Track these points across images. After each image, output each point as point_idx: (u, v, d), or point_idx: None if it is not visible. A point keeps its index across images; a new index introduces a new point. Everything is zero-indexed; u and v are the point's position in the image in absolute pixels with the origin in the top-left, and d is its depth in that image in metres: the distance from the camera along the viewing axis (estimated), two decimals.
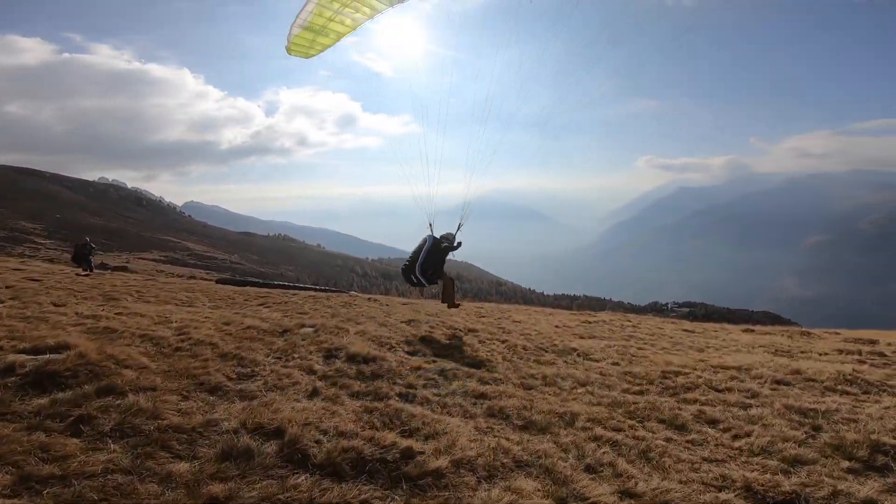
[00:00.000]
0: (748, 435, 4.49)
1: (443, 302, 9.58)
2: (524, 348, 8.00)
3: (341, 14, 8.14)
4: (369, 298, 15.32)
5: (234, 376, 5.21)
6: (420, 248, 8.70)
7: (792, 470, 3.83)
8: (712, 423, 4.90)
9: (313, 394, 4.89)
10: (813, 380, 6.84)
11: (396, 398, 4.95)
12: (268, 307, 11.85)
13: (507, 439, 4.08)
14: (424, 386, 5.48)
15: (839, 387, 6.53)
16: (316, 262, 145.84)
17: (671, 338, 11.64)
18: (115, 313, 8.60)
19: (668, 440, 4.39)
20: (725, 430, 4.69)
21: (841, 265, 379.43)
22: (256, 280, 25.45)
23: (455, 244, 8.88)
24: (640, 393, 5.84)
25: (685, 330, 13.95)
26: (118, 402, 4.01)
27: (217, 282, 25.60)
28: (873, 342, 13.78)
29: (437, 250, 8.67)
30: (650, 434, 4.49)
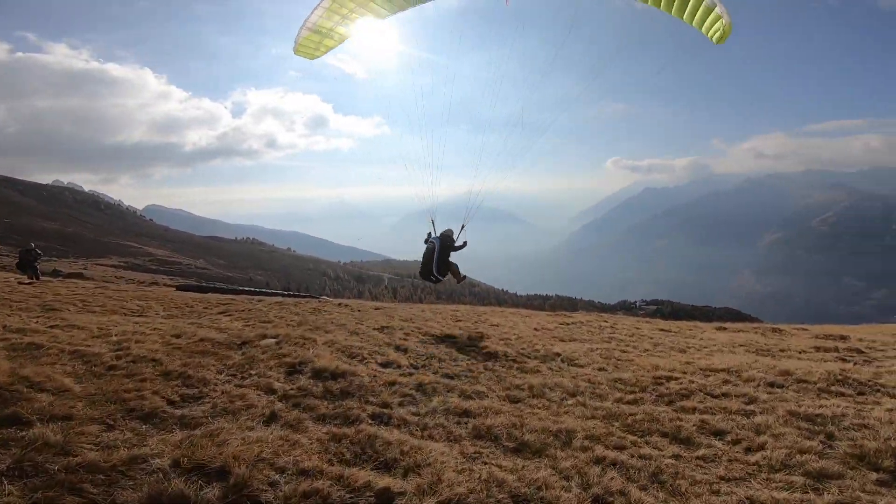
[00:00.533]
0: (762, 447, 4.09)
1: (458, 282, 10.56)
2: (505, 355, 7.48)
3: (347, 19, 8.86)
4: (340, 304, 14.53)
5: (177, 399, 4.47)
6: (431, 251, 9.71)
7: (821, 486, 3.42)
8: (718, 434, 4.49)
9: (271, 419, 4.21)
10: (805, 381, 6.59)
11: (369, 421, 4.33)
12: (229, 316, 10.96)
13: (500, 467, 3.52)
14: (401, 404, 4.87)
15: (833, 388, 6.29)
16: (286, 266, 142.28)
17: (651, 338, 11.40)
18: (49, 326, 7.62)
19: (676, 457, 3.93)
20: (735, 443, 4.28)
21: (796, 262, 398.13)
22: (220, 286, 24.17)
23: (460, 244, 9.89)
24: (635, 402, 5.40)
25: (661, 329, 13.80)
26: (22, 434, 3.27)
27: (178, 288, 24.18)
28: (844, 338, 13.97)
29: (444, 249, 9.74)
30: (656, 451, 4.02)
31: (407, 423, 4.37)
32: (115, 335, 6.80)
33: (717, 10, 7.06)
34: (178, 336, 7.16)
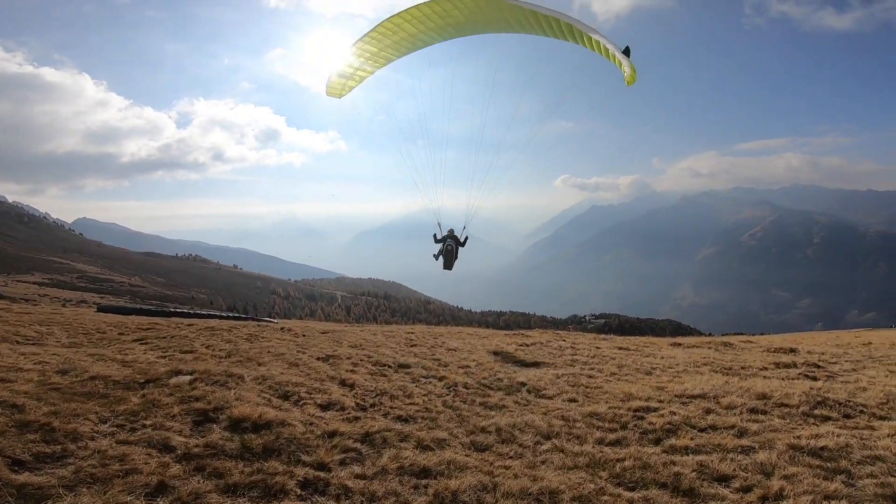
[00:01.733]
0: (781, 496, 3.44)
1: (445, 268, 12.00)
2: (466, 386, 6.62)
3: (365, 64, 10.48)
4: (282, 329, 13.16)
5: (28, 459, 3.30)
6: (451, 250, 11.85)
7: None
8: (723, 480, 3.83)
9: (157, 491, 3.12)
10: (785, 405, 6.18)
11: (298, 491, 3.32)
12: (145, 344, 9.43)
13: None
14: (343, 462, 3.88)
15: (816, 411, 5.89)
16: (232, 284, 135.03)
17: (613, 359, 10.93)
18: None
19: None
20: (745, 490, 3.62)
21: (729, 274, 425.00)
22: (148, 308, 21.84)
23: (462, 241, 12.07)
24: (618, 443, 4.67)
25: (620, 348, 13.47)
26: None
27: (98, 309, 21.64)
28: (793, 350, 14.22)
29: (457, 247, 11.99)
30: None
31: (349, 492, 3.40)
32: None
33: (624, 64, 8.09)
34: (64, 372, 5.78)
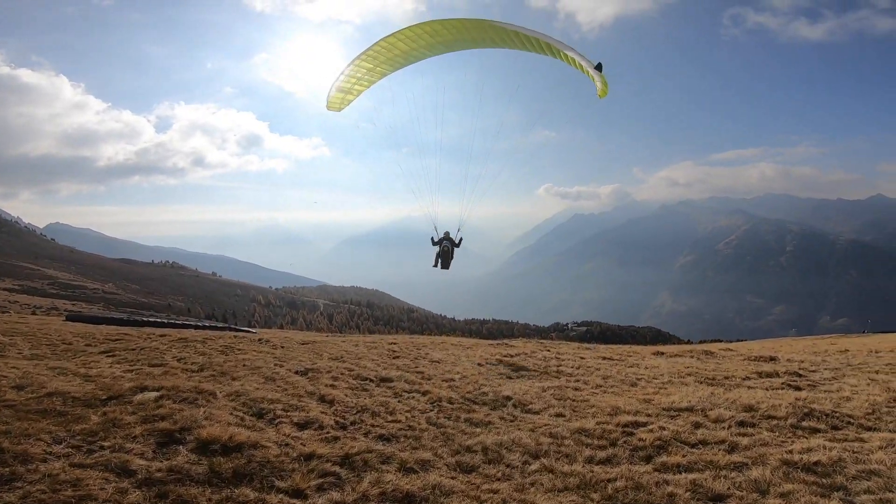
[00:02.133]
0: None
1: (443, 267, 12.75)
2: (450, 401, 6.40)
3: (363, 79, 11.00)
4: (260, 340, 12.73)
5: None
6: (447, 251, 12.59)
7: None
8: (718, 500, 3.69)
9: None
10: (772, 416, 6.13)
11: None
12: (112, 357, 8.95)
13: None
14: (320, 488, 3.62)
15: (804, 423, 5.84)
16: (211, 292, 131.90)
17: (598, 370, 10.85)
18: None
19: None
20: None
21: (706, 282, 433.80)
22: (119, 317, 21.03)
23: (457, 242, 12.75)
24: (608, 461, 4.51)
25: (604, 358, 13.43)
26: None
27: (67, 318, 20.76)
28: (773, 359, 14.41)
29: (453, 248, 12.70)
30: None
31: None
32: None
33: (596, 79, 8.60)
34: (20, 388, 5.39)
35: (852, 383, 9.01)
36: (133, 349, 10.01)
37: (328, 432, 4.92)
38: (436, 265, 12.72)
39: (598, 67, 8.39)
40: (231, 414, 5.01)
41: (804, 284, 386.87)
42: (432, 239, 12.68)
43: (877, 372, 10.72)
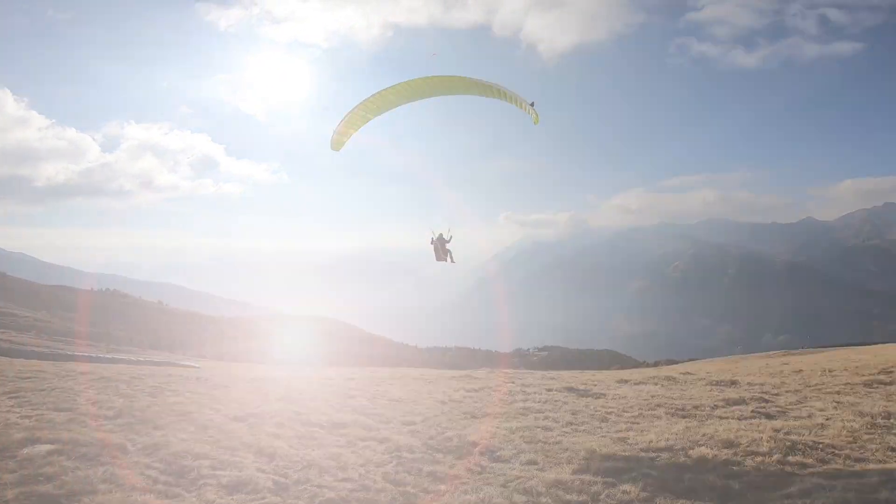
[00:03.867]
0: None
1: (438, 259, 14.35)
2: (411, 450, 5.68)
3: (356, 124, 12.37)
4: (198, 378, 11.48)
5: None
6: (437, 250, 14.08)
7: None
8: None
9: None
10: (755, 452, 5.85)
11: None
12: (15, 398, 7.63)
13: None
14: None
15: (790, 458, 5.51)
16: (155, 320, 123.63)
17: (565, 403, 10.40)
18: None
19: None
20: None
21: (657, 305, 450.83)
22: (42, 349, 18.86)
23: (448, 239, 14.09)
24: None
25: (570, 389, 13.02)
26: None
27: None
28: (734, 383, 14.55)
29: (443, 244, 13.99)
30: None
31: None
32: None
33: (531, 112, 10.68)
34: None
35: (819, 407, 8.96)
36: (43, 389, 8.65)
37: (263, 497, 4.11)
38: (439, 259, 14.59)
39: (532, 104, 10.85)
40: (142, 474, 4.11)
41: (746, 304, 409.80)
42: (431, 240, 14.60)
43: (838, 393, 10.85)
